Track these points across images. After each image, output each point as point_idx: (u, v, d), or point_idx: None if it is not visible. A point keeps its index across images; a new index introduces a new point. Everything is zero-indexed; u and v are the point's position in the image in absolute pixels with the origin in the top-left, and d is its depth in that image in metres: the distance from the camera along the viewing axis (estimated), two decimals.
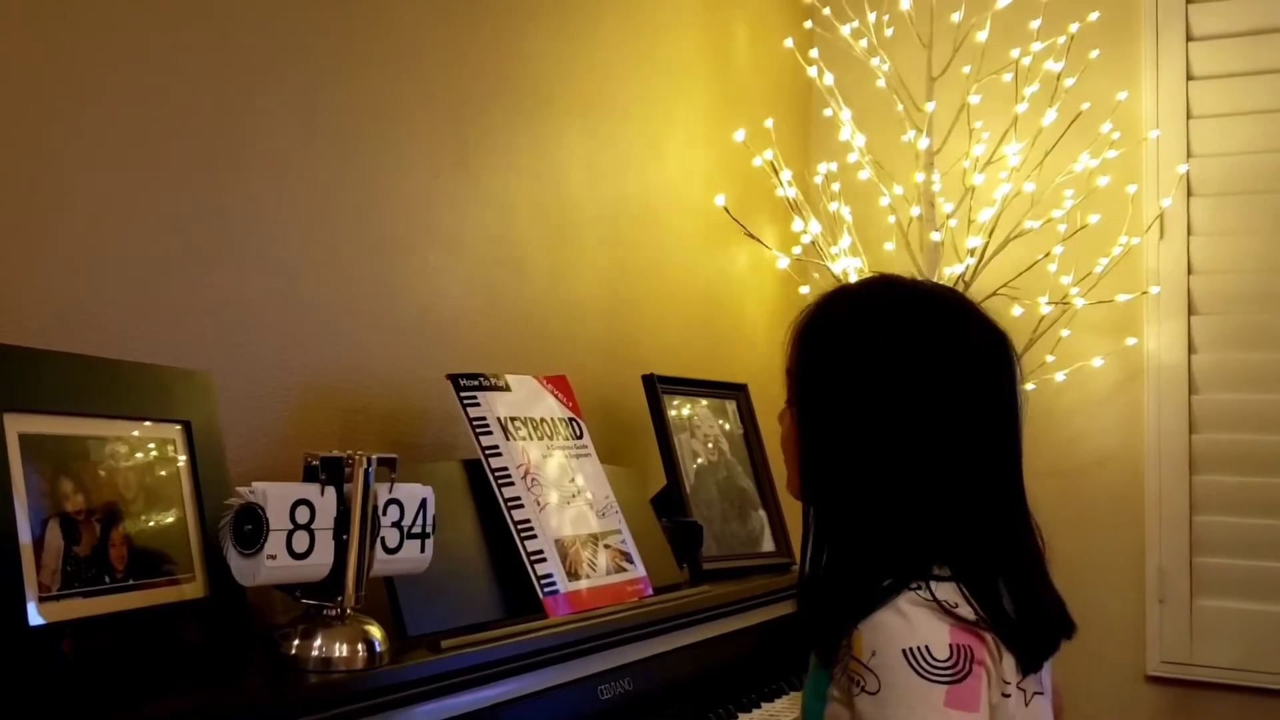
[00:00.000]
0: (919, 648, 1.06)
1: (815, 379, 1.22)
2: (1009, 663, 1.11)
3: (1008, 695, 1.10)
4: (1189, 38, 2.75)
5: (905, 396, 1.15)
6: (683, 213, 2.55)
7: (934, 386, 1.15)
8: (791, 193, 2.69)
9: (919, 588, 1.10)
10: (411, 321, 1.82)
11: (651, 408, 2.12)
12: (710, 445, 2.25)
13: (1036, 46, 2.62)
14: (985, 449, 1.17)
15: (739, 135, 2.62)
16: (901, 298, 1.23)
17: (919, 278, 1.29)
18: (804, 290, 2.91)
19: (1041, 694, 1.17)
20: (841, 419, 1.19)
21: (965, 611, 1.09)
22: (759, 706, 1.72)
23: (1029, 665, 1.13)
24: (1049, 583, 1.18)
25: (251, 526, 1.18)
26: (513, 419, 1.70)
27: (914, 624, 1.07)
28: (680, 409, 2.20)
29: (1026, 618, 1.13)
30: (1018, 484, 1.19)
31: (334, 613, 1.24)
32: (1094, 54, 2.65)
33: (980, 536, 1.14)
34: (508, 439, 1.66)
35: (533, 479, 1.66)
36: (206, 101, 1.50)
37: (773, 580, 2.07)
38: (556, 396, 1.84)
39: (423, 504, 1.36)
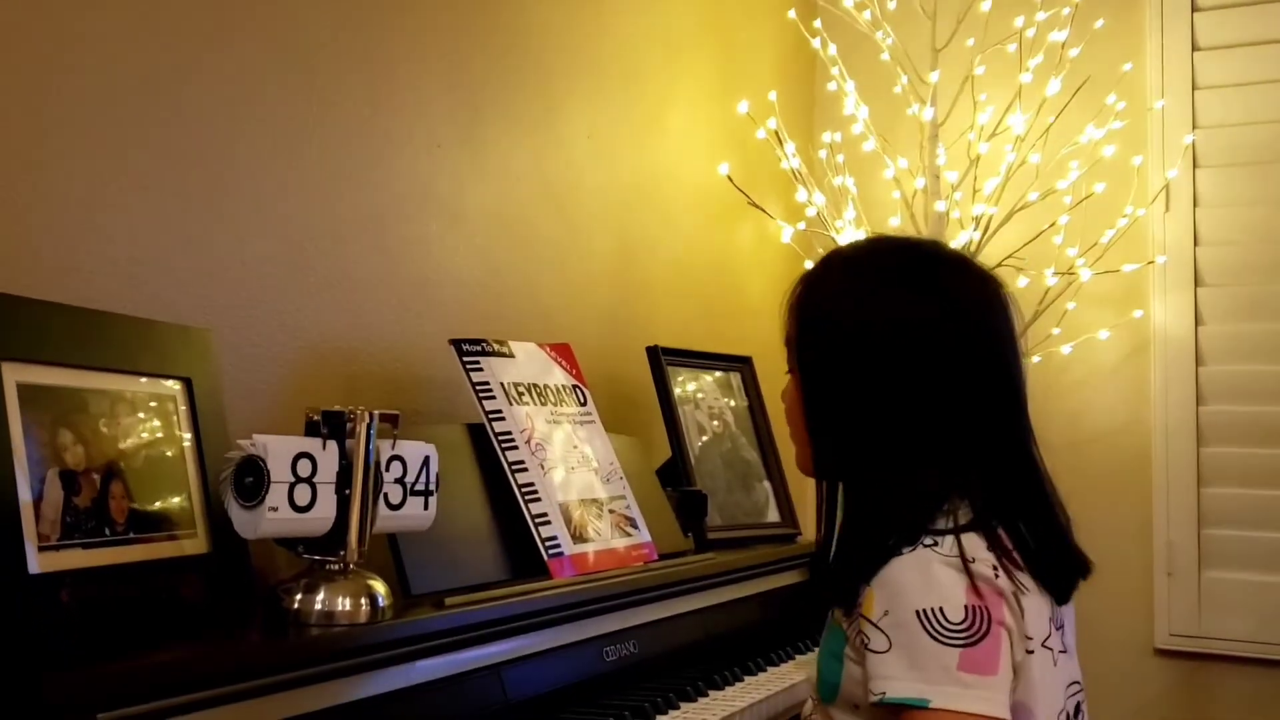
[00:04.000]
0: (933, 609, 1.03)
1: (815, 342, 1.22)
2: (1032, 619, 1.08)
3: (1031, 652, 1.07)
4: (1194, 8, 2.73)
5: (902, 353, 1.15)
6: (686, 186, 2.54)
7: (929, 340, 1.14)
8: (795, 163, 2.68)
9: (935, 544, 1.07)
10: (413, 290, 1.81)
11: (655, 379, 2.11)
12: (715, 418, 2.24)
13: (1040, 17, 2.60)
14: (985, 395, 1.15)
15: (742, 107, 2.61)
16: (888, 256, 1.24)
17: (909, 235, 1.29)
18: (808, 265, 2.89)
19: (1065, 653, 1.15)
20: (844, 378, 1.18)
21: (983, 567, 1.06)
22: (764, 670, 1.71)
23: (1058, 597, 1.12)
24: (1062, 522, 1.17)
25: (253, 479, 1.17)
26: (516, 385, 1.69)
27: (929, 582, 1.05)
28: (685, 383, 2.19)
29: (1045, 553, 1.12)
30: (1023, 427, 1.18)
31: (337, 567, 1.24)
32: (1098, 24, 2.64)
33: (989, 479, 1.13)
34: (511, 404, 1.65)
35: (536, 444, 1.65)
36: (211, 63, 1.49)
37: (778, 549, 2.07)
38: (560, 364, 1.83)
39: (426, 461, 1.35)
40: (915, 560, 1.07)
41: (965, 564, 1.05)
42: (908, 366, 1.14)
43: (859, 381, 1.16)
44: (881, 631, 1.05)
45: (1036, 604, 1.10)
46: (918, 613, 1.03)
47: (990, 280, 1.21)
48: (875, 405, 1.15)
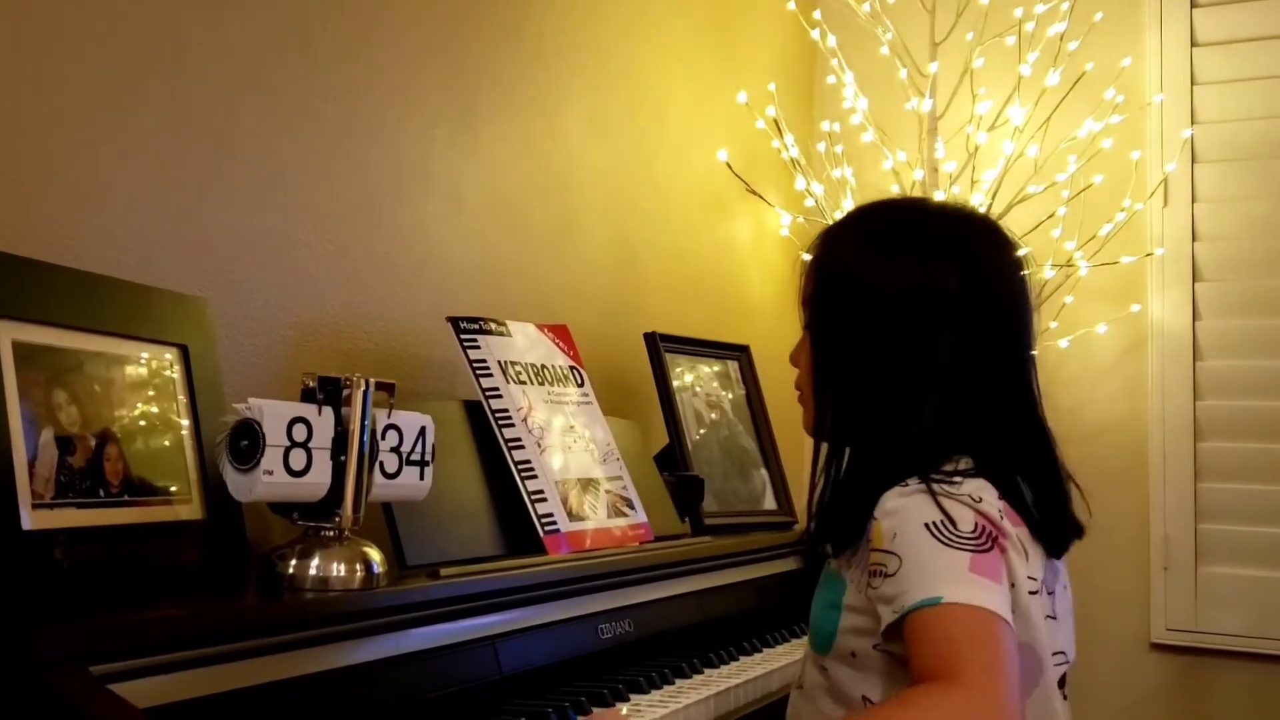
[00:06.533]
0: (941, 520, 1.03)
1: (832, 301, 1.21)
2: (1035, 563, 1.09)
3: (1035, 593, 1.08)
4: (1193, 4, 2.74)
5: (915, 321, 1.14)
6: (685, 175, 2.54)
7: (944, 309, 1.14)
8: (795, 153, 2.68)
9: (942, 481, 1.08)
10: (410, 270, 1.81)
11: (653, 366, 2.11)
12: (712, 406, 2.24)
13: (1040, 10, 2.60)
14: (996, 363, 1.16)
15: (742, 97, 2.60)
16: (912, 219, 1.24)
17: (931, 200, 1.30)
18: (806, 257, 2.89)
19: (1055, 619, 1.15)
20: (856, 340, 1.18)
21: (988, 507, 1.06)
22: (759, 650, 1.71)
23: (1053, 551, 1.12)
24: (1063, 482, 1.17)
25: (248, 442, 1.16)
26: (513, 364, 1.69)
27: (934, 506, 1.05)
28: (682, 372, 2.19)
29: (1045, 511, 1.12)
30: (1030, 389, 1.19)
31: (332, 534, 1.23)
32: (1097, 17, 2.64)
33: (997, 440, 1.14)
34: (508, 383, 1.65)
35: (533, 422, 1.65)
36: (211, 39, 1.49)
37: (774, 536, 2.06)
38: (558, 345, 1.83)
39: (422, 431, 1.34)
40: (917, 490, 1.07)
41: (972, 503, 1.05)
42: (920, 334, 1.14)
43: (870, 344, 1.16)
44: (893, 554, 1.04)
45: (1037, 553, 1.10)
46: (926, 524, 1.04)
47: (1012, 247, 1.21)
48: (883, 369, 1.16)
